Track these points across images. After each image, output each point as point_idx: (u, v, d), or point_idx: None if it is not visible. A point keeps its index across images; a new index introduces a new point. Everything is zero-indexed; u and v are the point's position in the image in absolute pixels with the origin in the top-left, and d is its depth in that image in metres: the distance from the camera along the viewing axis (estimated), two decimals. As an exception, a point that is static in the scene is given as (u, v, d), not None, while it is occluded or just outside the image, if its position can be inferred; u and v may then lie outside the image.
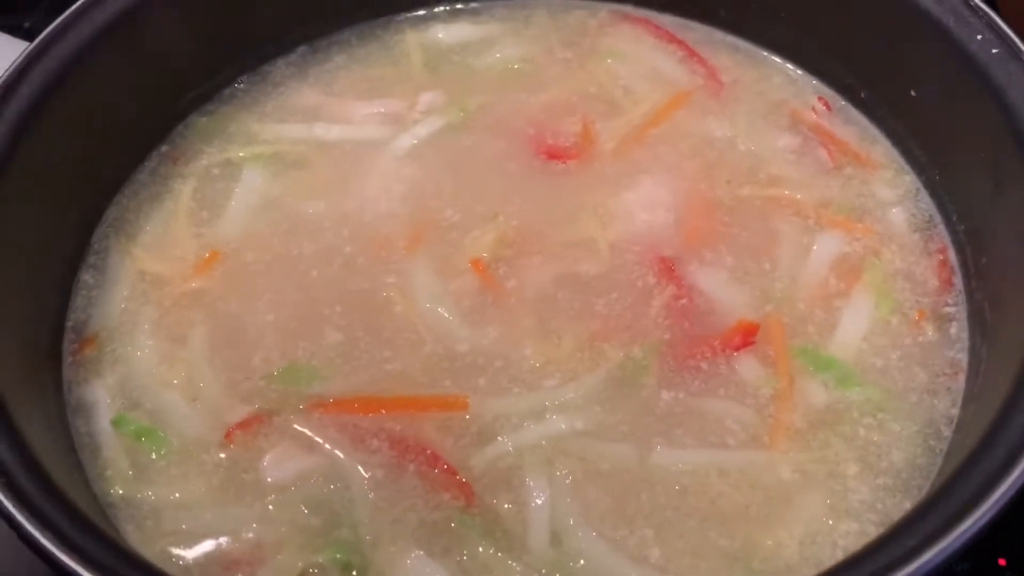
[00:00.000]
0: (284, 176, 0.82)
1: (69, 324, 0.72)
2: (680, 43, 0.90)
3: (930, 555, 0.45)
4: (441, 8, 0.95)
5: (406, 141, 0.84)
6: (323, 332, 0.70)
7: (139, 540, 0.61)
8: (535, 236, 0.75)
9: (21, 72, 0.71)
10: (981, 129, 0.67)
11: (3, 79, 0.69)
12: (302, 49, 0.92)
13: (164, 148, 0.84)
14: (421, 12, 0.95)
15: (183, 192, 0.81)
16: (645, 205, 0.77)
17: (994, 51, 0.67)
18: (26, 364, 0.66)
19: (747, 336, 0.67)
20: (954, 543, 0.46)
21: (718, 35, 0.91)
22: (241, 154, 0.83)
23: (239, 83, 0.89)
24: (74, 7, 0.75)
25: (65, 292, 0.74)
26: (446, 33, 0.93)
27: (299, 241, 0.77)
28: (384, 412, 0.65)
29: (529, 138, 0.83)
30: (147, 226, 0.79)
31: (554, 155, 0.81)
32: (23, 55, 0.71)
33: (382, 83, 0.89)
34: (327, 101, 0.88)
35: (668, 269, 0.72)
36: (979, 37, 0.68)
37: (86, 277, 0.75)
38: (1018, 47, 0.66)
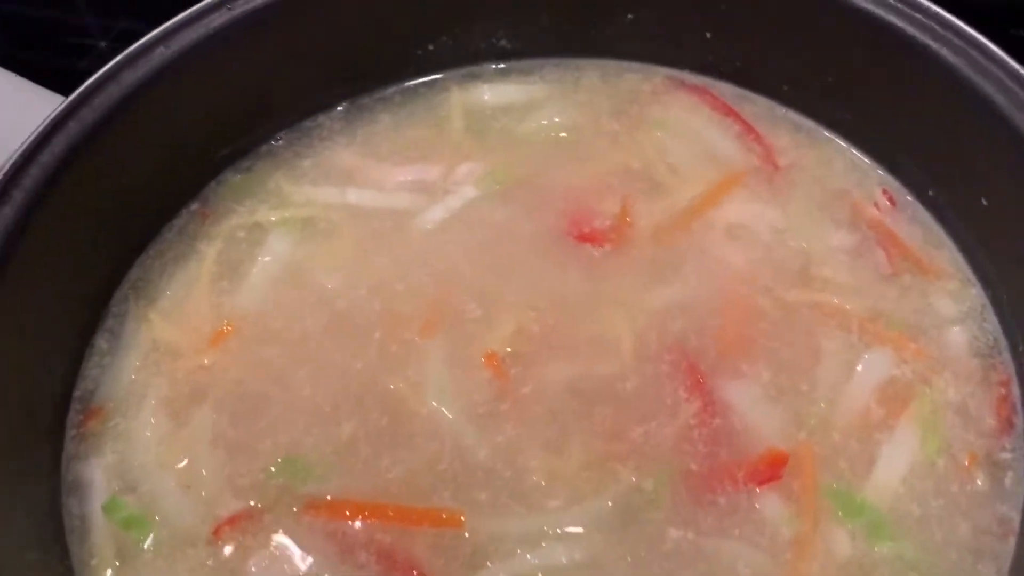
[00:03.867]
0: (309, 244, 0.79)
1: (77, 394, 0.71)
2: (737, 116, 0.85)
3: None
4: (490, 65, 0.92)
5: (437, 214, 0.80)
6: (328, 424, 0.68)
7: (115, 638, 0.59)
8: (557, 330, 0.71)
9: (51, 130, 0.70)
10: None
11: (33, 136, 0.69)
12: (344, 106, 0.89)
13: (194, 206, 0.83)
14: (469, 69, 0.92)
15: (207, 255, 0.79)
16: (680, 304, 0.72)
17: (1076, 171, 0.59)
18: (23, 439, 0.65)
19: (775, 469, 0.62)
20: None
21: (779, 110, 0.85)
22: (271, 218, 0.81)
23: (278, 139, 0.87)
24: (108, 66, 0.74)
25: (77, 358, 0.73)
26: (492, 94, 0.90)
27: (315, 318, 0.74)
28: (375, 521, 0.62)
29: (564, 217, 0.79)
30: (168, 289, 0.78)
31: (588, 238, 0.77)
32: (55, 112, 0.70)
33: (421, 147, 0.86)
34: (363, 163, 0.85)
35: (697, 382, 0.67)
36: (1060, 154, 0.61)
37: (101, 342, 0.75)
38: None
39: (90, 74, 0.73)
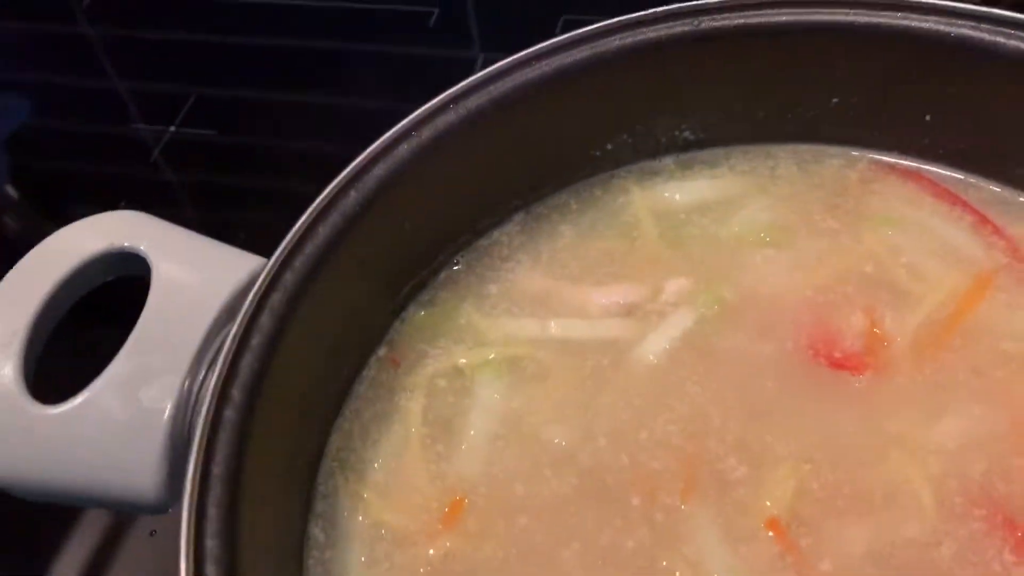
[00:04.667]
0: (523, 390, 0.71)
1: (308, 603, 0.63)
2: (966, 205, 0.77)
3: None
4: (668, 159, 0.84)
5: (657, 344, 0.72)
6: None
7: None
8: (840, 485, 0.63)
9: (256, 309, 0.61)
10: None
11: (242, 321, 0.60)
12: (519, 217, 0.81)
13: (382, 351, 0.74)
14: (644, 164, 0.83)
15: (411, 412, 0.71)
16: (972, 441, 0.64)
17: None
18: None
19: None
20: None
21: (1009, 194, 0.77)
22: (469, 360, 0.73)
23: (456, 264, 0.79)
24: (302, 220, 0.65)
25: (296, 557, 0.65)
26: (680, 192, 0.82)
27: (560, 479, 0.65)
28: None
29: (803, 338, 0.71)
30: (376, 459, 0.69)
31: (842, 364, 0.69)
32: (259, 286, 0.62)
33: (615, 261, 0.78)
34: (556, 286, 0.77)
35: (1021, 539, 0.59)
36: None
37: (315, 532, 0.66)
38: None
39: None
